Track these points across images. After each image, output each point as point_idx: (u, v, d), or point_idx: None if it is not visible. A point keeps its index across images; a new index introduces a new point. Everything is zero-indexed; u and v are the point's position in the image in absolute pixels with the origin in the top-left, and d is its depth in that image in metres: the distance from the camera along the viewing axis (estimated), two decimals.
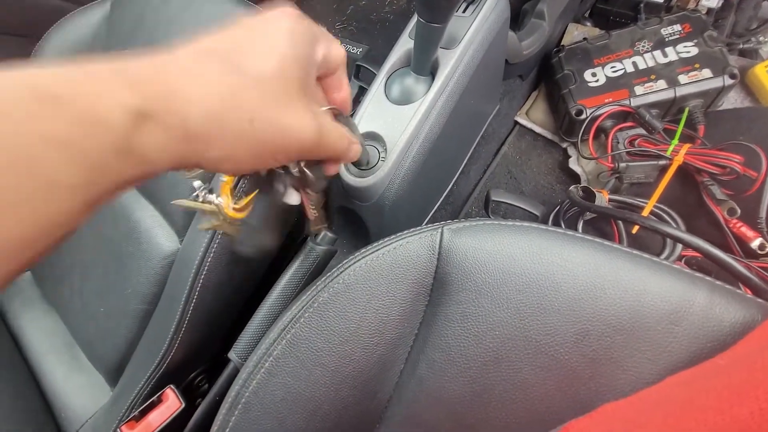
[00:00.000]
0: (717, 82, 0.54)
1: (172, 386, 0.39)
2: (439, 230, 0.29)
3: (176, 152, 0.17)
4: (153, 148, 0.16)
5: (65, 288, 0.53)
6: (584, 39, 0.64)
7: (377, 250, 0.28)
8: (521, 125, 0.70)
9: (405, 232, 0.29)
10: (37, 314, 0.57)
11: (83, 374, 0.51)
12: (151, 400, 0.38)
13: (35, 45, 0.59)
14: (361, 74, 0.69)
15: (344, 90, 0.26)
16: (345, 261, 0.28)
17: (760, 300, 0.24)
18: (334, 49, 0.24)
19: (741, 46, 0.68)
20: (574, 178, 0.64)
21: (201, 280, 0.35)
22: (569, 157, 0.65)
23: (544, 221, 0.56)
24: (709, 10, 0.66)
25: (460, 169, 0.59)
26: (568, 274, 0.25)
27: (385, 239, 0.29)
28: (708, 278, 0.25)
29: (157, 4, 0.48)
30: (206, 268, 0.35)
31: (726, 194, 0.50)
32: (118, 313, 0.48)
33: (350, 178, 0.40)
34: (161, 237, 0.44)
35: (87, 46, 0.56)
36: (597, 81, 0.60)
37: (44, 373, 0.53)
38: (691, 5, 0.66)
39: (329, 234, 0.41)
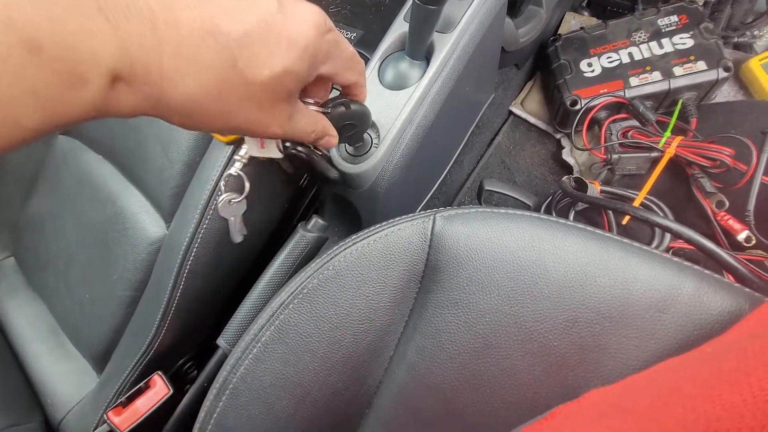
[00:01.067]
0: (711, 75, 0.54)
1: (159, 372, 0.39)
2: (431, 217, 0.28)
3: (142, 112, 0.17)
4: (121, 106, 0.16)
5: (50, 274, 0.52)
6: (581, 28, 0.63)
7: (368, 237, 0.28)
8: (515, 115, 0.70)
9: (397, 218, 0.29)
10: (22, 301, 0.56)
11: (69, 361, 0.50)
12: (138, 386, 0.38)
13: None
14: None
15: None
16: (336, 247, 0.28)
17: (747, 289, 0.24)
18: (348, 74, 0.25)
19: (736, 39, 0.68)
20: (567, 169, 0.64)
21: (188, 266, 0.35)
22: (562, 148, 0.65)
23: (537, 211, 0.56)
24: (706, 2, 0.66)
25: (454, 158, 0.58)
26: (559, 262, 0.25)
27: (377, 226, 0.29)
28: (696, 267, 0.25)
29: None
30: (193, 253, 0.35)
31: (715, 187, 0.51)
32: (104, 300, 0.47)
33: (343, 164, 0.39)
34: (147, 222, 0.43)
35: None
36: (593, 71, 0.60)
37: (30, 359, 0.52)
38: None
39: (320, 221, 0.40)
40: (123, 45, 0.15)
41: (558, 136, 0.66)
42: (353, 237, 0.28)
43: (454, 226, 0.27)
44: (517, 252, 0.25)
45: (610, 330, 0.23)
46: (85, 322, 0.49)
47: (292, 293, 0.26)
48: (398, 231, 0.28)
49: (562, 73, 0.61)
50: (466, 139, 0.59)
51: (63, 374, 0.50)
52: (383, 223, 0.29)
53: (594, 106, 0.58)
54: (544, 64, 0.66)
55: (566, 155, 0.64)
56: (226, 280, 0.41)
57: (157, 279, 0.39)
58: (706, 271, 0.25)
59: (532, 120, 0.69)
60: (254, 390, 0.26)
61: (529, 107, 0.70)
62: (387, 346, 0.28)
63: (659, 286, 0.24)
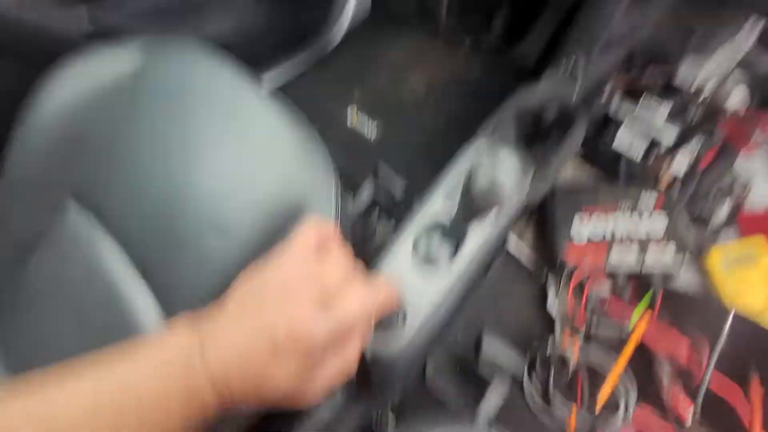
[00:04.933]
0: (678, 261, 0.63)
1: None
2: None
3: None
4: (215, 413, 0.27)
5: (35, 363, 0.47)
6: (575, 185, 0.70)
7: None
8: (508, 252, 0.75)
9: None
10: None
11: None
12: None
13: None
14: (379, 172, 0.69)
15: None
16: None
17: None
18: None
19: (696, 213, 0.78)
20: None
21: None
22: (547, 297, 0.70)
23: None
24: (676, 179, 0.76)
25: None
26: None
27: None
28: None
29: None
30: None
31: (674, 373, 0.58)
32: None
33: None
34: None
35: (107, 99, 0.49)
36: (580, 234, 0.66)
37: None
38: (663, 170, 0.75)
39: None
40: (220, 401, 0.26)
41: (543, 280, 0.72)
42: None
43: None
44: None
45: None
46: None
47: None
48: None
49: (553, 229, 0.67)
50: None
51: None
52: None
53: (577, 270, 0.64)
54: (540, 210, 0.72)
55: (551, 307, 0.68)
56: None
57: None
58: None
59: (523, 260, 0.74)
60: None
61: (523, 242, 0.75)
62: None
63: None
